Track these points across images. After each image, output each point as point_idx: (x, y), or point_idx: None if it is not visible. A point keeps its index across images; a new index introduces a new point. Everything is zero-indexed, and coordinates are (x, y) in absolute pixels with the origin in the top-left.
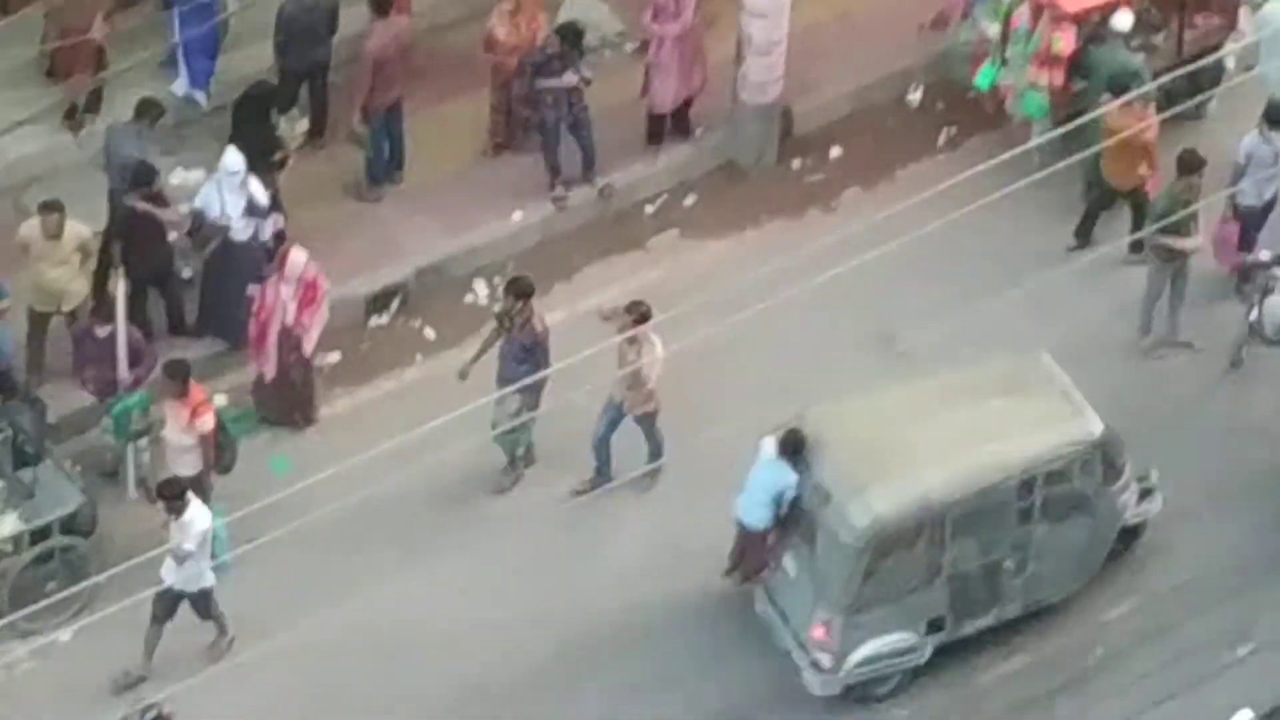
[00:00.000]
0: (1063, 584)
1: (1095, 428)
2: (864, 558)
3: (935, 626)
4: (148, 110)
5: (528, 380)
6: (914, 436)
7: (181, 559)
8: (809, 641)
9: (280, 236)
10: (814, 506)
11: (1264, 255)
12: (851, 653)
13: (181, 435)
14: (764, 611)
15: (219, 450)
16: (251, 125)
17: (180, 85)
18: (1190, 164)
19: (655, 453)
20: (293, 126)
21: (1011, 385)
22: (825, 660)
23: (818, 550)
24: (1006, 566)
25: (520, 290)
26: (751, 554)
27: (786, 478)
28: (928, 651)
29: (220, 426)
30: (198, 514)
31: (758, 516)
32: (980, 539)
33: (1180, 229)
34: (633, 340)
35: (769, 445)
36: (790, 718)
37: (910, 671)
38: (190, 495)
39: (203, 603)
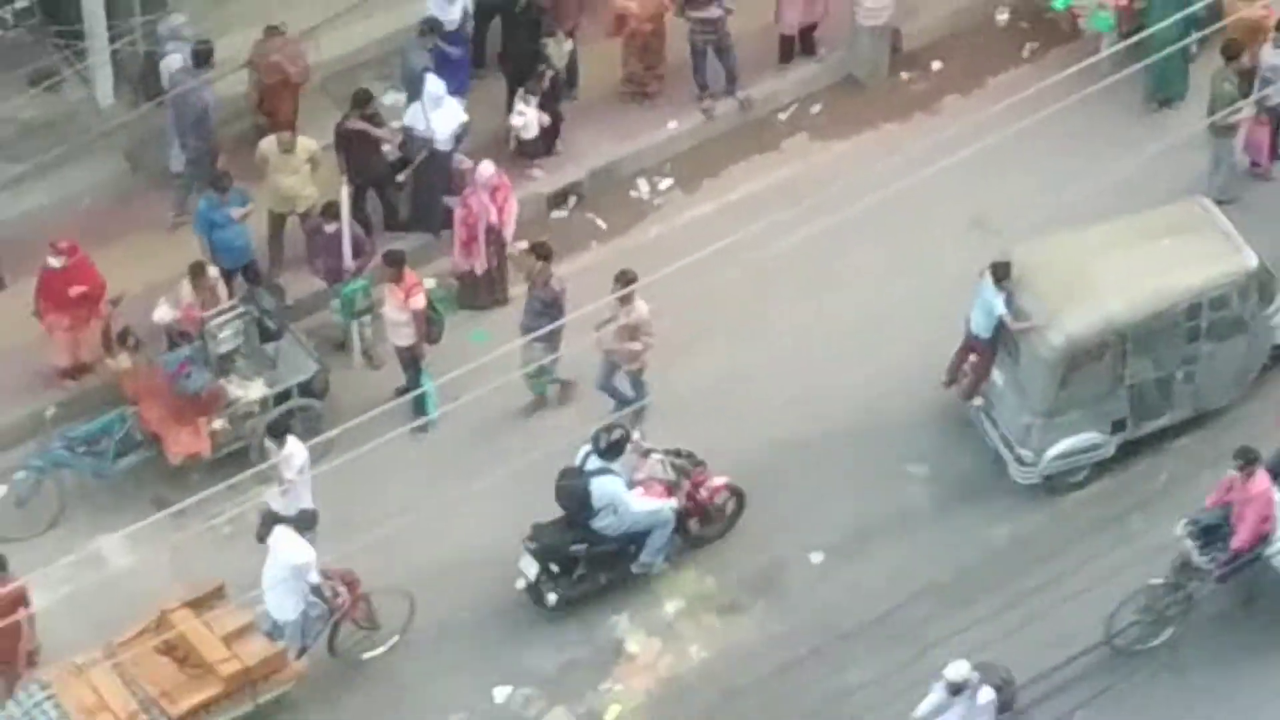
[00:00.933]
0: (1224, 393)
1: (1251, 261)
2: (1060, 370)
3: (1118, 427)
4: (432, 28)
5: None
6: (1099, 270)
7: (284, 489)
8: (1015, 440)
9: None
10: (1006, 321)
11: None
12: (1049, 449)
13: (398, 313)
14: (976, 417)
15: (429, 325)
16: (520, 45)
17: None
18: (1231, 51)
19: (629, 401)
20: (560, 46)
21: (1178, 226)
22: (1028, 455)
23: (1021, 365)
24: (1177, 378)
25: (541, 253)
26: (978, 365)
27: (997, 300)
28: (1111, 448)
29: (430, 305)
30: (296, 448)
31: (983, 327)
32: (1155, 355)
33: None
34: (624, 300)
35: (988, 273)
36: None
37: (1095, 465)
38: (290, 435)
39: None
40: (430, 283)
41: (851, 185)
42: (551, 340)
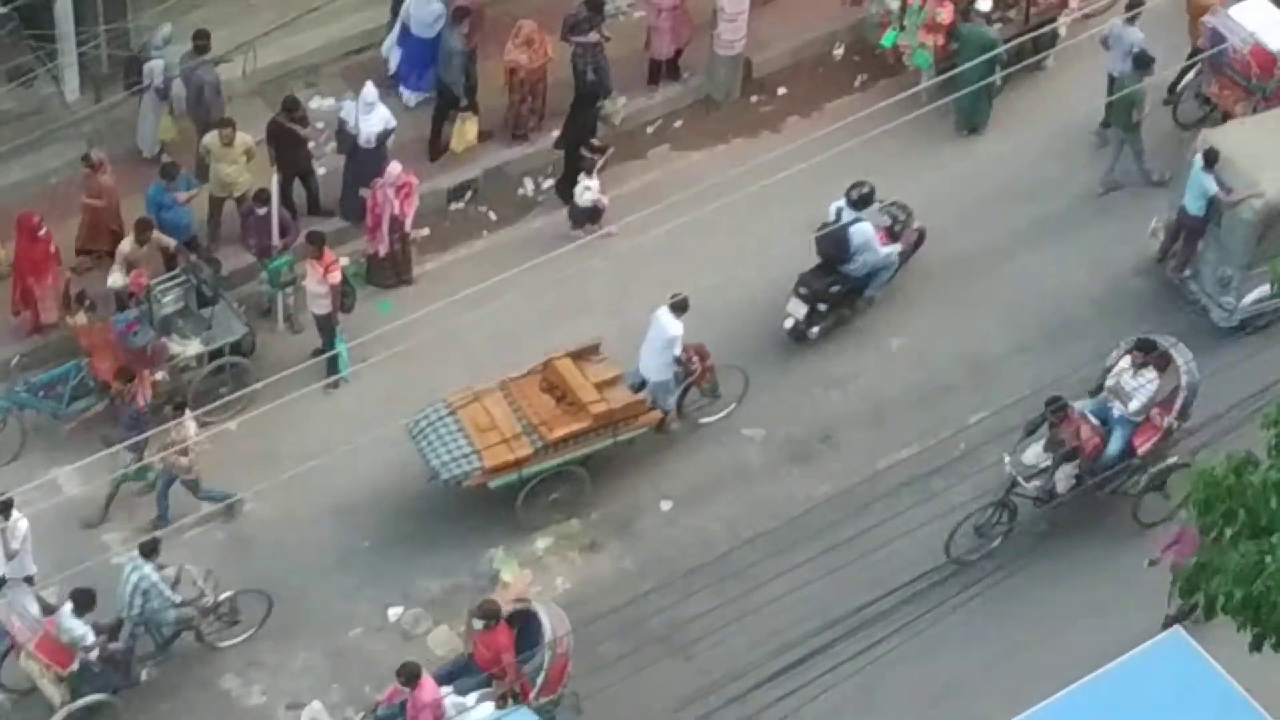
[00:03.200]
0: None
1: None
2: (1259, 229)
3: None
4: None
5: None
6: None
7: (11, 555)
8: (1216, 292)
9: (386, 135)
10: (1221, 198)
11: None
12: (1246, 297)
13: (317, 285)
14: (1184, 285)
15: (343, 296)
16: (582, 112)
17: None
18: (1143, 61)
19: (215, 498)
20: (615, 104)
21: None
22: (1229, 303)
23: (1223, 228)
24: None
25: (125, 375)
26: (1189, 241)
27: (1209, 181)
28: None
29: (344, 279)
30: (21, 520)
31: (1197, 207)
32: None
33: (1138, 109)
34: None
35: (1198, 158)
36: None
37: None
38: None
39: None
40: (345, 260)
41: (706, 189)
42: (138, 450)
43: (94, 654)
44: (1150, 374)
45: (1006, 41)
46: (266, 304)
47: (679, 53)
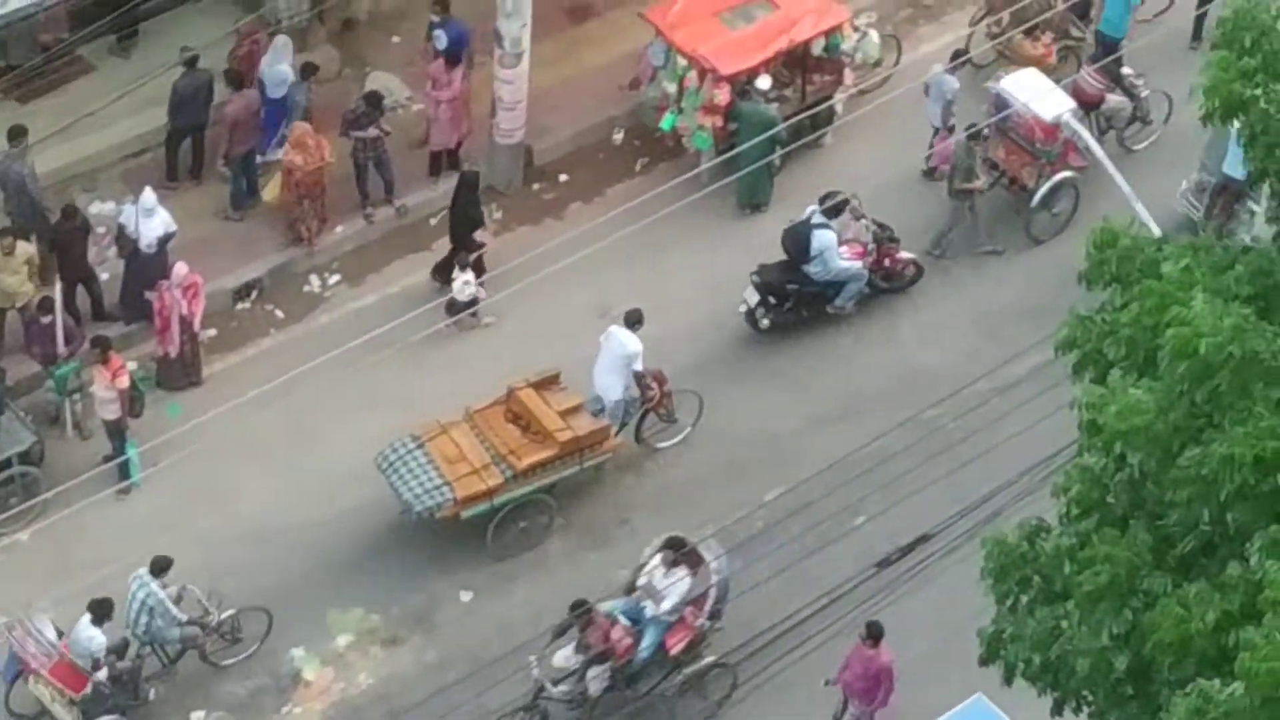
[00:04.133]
0: None
1: None
2: None
3: None
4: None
5: None
6: None
7: None
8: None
9: (167, 239)
10: None
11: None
12: None
13: (105, 390)
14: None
15: (132, 400)
16: (464, 205)
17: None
18: (975, 134)
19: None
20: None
21: None
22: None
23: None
24: None
25: None
26: (1227, 202)
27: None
28: None
29: (132, 383)
30: None
31: (1239, 171)
32: None
33: (971, 177)
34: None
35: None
36: None
37: None
38: None
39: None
40: (132, 365)
41: (491, 280)
42: None
43: (104, 674)
44: (681, 572)
45: (785, 119)
46: (54, 411)
47: (460, 143)
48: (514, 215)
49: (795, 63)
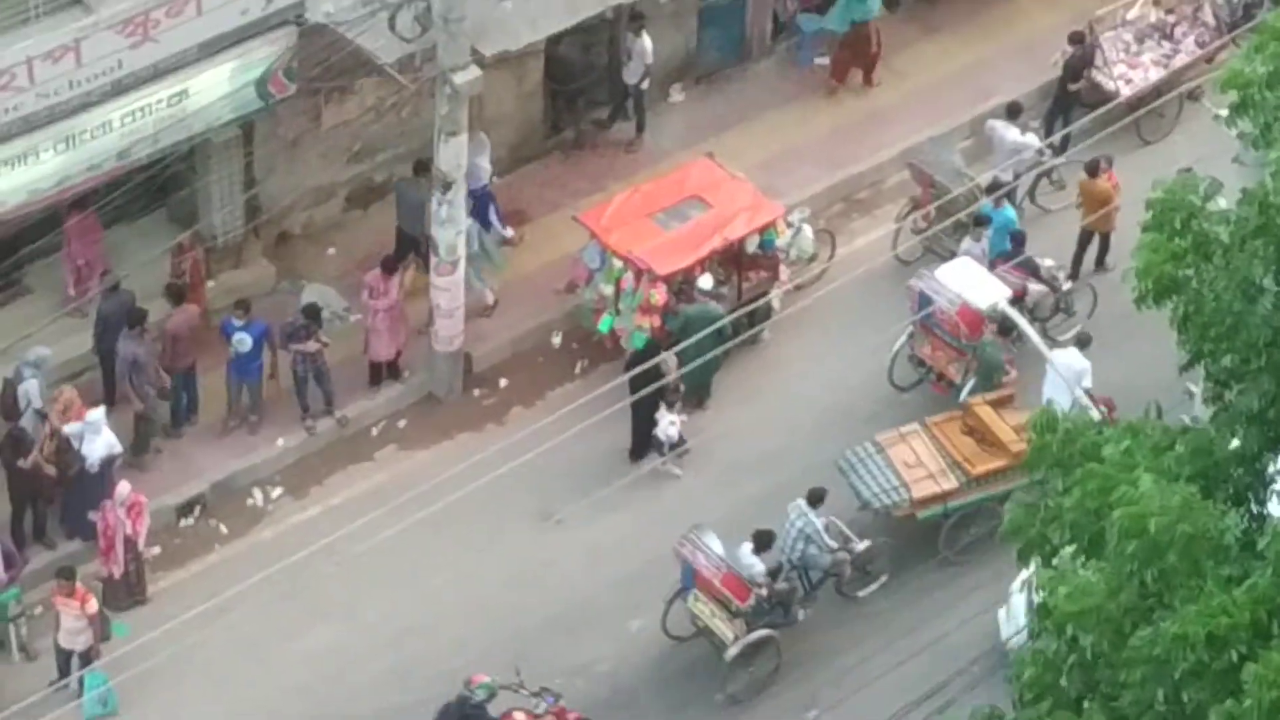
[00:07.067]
0: None
1: None
2: None
3: None
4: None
5: None
6: None
7: None
8: None
9: (111, 460)
10: None
11: None
12: None
13: (76, 621)
14: None
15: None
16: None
17: None
18: (1005, 329)
19: None
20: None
21: None
22: None
23: None
24: None
25: None
26: None
27: None
28: None
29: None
30: None
31: None
32: None
33: (995, 378)
34: None
35: None
36: None
37: None
38: None
39: None
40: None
41: (434, 488)
42: None
43: (765, 590)
44: None
45: (728, 314)
46: None
47: (399, 353)
48: (455, 422)
49: (730, 260)
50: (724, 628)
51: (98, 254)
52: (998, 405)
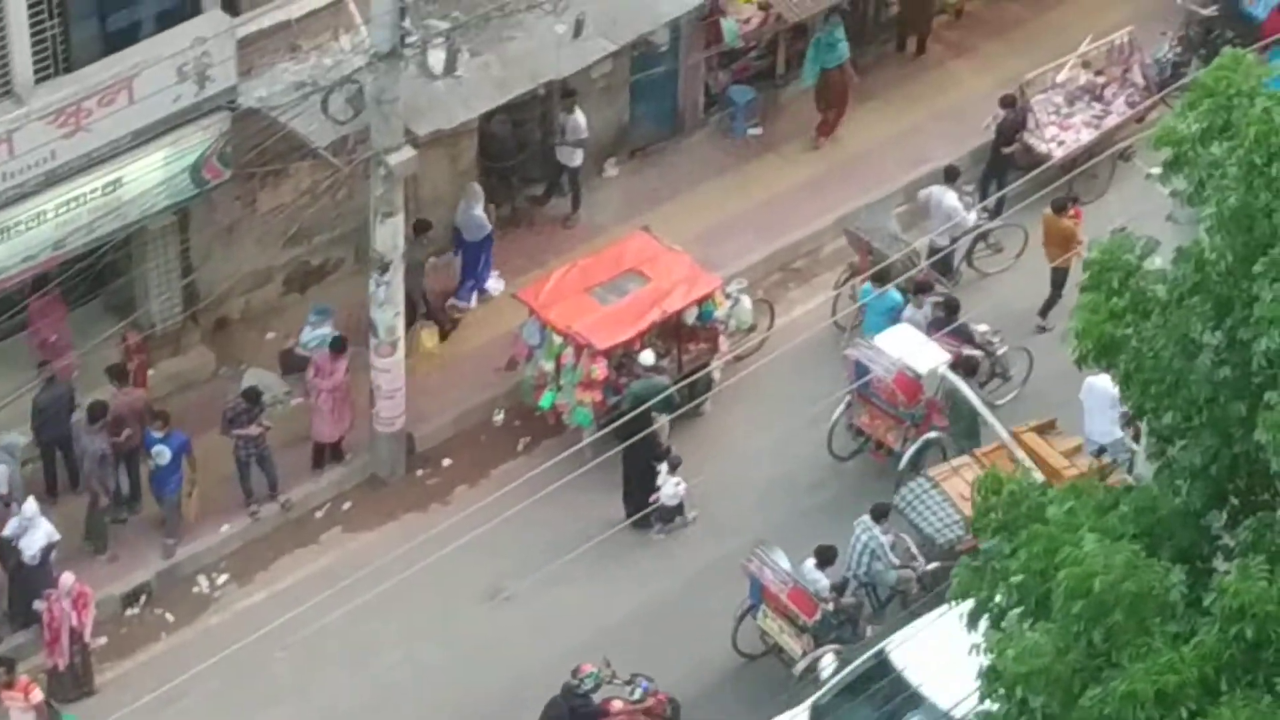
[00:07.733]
0: None
1: None
2: None
3: None
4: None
5: None
6: None
7: None
8: None
9: (50, 549)
10: None
11: None
12: None
13: (22, 714)
14: None
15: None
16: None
17: None
18: (970, 368)
19: None
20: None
21: None
22: None
23: None
24: None
25: None
26: None
27: None
28: None
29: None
30: None
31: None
32: None
33: (972, 432)
34: None
35: None
36: None
37: None
38: None
39: None
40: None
41: (379, 569)
42: None
43: (831, 605)
44: None
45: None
46: None
47: (341, 435)
48: (399, 503)
49: (670, 333)
50: (792, 643)
51: (64, 330)
52: (1042, 431)
